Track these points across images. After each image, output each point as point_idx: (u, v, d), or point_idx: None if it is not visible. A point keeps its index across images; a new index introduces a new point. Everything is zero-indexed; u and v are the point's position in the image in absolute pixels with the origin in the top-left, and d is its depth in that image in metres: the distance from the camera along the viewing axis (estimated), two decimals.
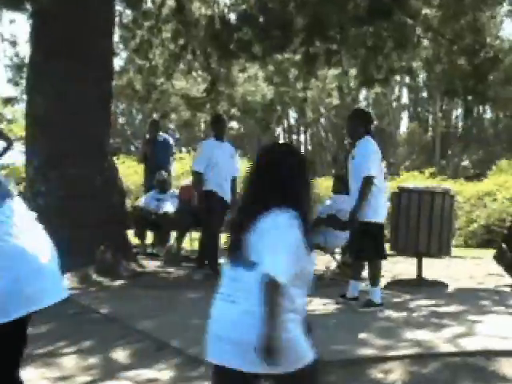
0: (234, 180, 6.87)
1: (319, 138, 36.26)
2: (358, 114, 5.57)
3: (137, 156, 11.47)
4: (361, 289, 5.43)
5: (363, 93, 29.24)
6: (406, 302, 5.70)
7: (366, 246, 5.18)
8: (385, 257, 5.31)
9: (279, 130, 37.15)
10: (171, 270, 7.17)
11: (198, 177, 6.73)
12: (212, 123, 7.10)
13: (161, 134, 9.65)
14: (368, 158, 5.12)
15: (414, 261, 6.88)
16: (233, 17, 9.67)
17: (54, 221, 6.30)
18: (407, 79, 30.12)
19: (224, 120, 7.20)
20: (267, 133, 25.91)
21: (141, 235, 8.45)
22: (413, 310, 5.33)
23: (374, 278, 5.23)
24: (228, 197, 6.74)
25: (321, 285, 6.27)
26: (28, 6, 7.49)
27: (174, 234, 8.48)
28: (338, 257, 7.08)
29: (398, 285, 6.56)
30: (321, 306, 5.34)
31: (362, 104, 31.87)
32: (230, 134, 31.19)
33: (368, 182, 5.07)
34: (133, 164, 14.67)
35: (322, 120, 34.79)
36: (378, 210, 5.18)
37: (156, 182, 8.63)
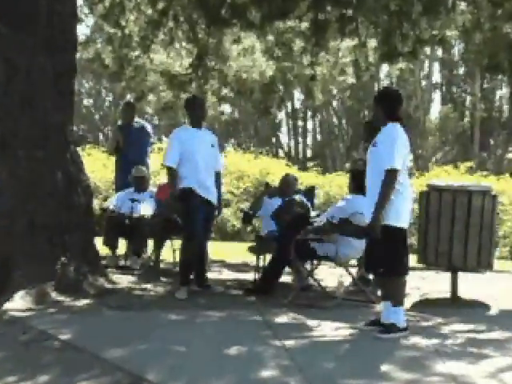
0: (217, 176, 6.91)
1: (330, 125, 36.31)
2: (385, 94, 5.60)
3: (107, 146, 11.46)
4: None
5: (385, 69, 29.31)
6: (437, 327, 5.71)
7: (384, 257, 5.19)
8: (406, 272, 5.32)
9: (281, 115, 37.27)
10: (148, 286, 7.17)
11: (170, 173, 6.78)
12: (185, 106, 7.04)
13: (136, 119, 9.65)
14: (392, 146, 5.13)
15: (448, 276, 6.89)
16: None
17: (2, 226, 6.37)
18: (439, 52, 30.22)
19: (200, 101, 7.15)
20: (266, 118, 25.93)
21: (111, 244, 8.46)
22: (446, 336, 5.33)
23: (397, 297, 5.24)
24: (213, 196, 6.78)
25: (332, 305, 6.32)
26: None
27: (151, 243, 8.49)
28: (354, 271, 7.09)
29: (427, 305, 6.57)
30: (332, 331, 5.36)
31: (384, 83, 31.98)
32: (222, 119, 31.26)
33: (391, 176, 5.08)
34: (101, 156, 14.70)
35: (334, 103, 34.86)
36: (401, 213, 5.19)
37: (132, 178, 8.63)
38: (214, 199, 6.80)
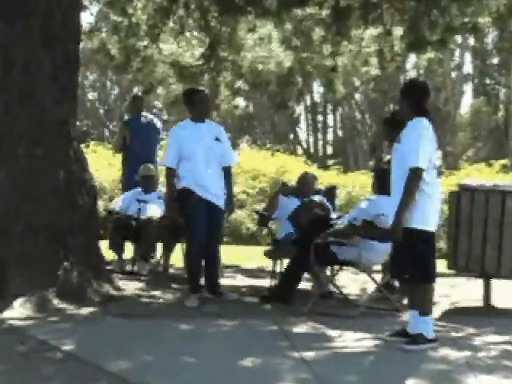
0: (227, 171, 6.87)
1: (353, 120, 36.25)
2: (411, 86, 5.58)
3: (112, 143, 11.50)
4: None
5: (411, 60, 29.19)
6: (468, 338, 5.68)
7: (409, 262, 5.17)
8: (433, 278, 5.29)
9: (300, 109, 37.26)
10: (156, 293, 7.19)
11: (168, 174, 6.80)
12: (184, 100, 6.97)
13: (145, 114, 9.68)
14: (417, 143, 5.12)
15: (480, 283, 6.85)
16: None
17: (2, 229, 6.39)
18: (471, 40, 30.08)
19: (202, 94, 7.02)
20: (284, 113, 25.91)
21: (117, 248, 8.48)
22: (478, 348, 5.31)
23: (424, 306, 5.22)
24: (215, 195, 6.70)
25: (354, 314, 6.30)
26: None
27: (160, 247, 8.50)
28: (378, 277, 7.07)
29: (457, 314, 6.55)
30: (354, 341, 5.35)
31: (410, 75, 31.88)
32: (235, 114, 31.28)
33: (415, 175, 5.08)
34: (107, 154, 14.77)
35: (357, 96, 34.80)
36: (428, 215, 5.17)
37: (140, 177, 8.64)
38: (216, 199, 6.71)
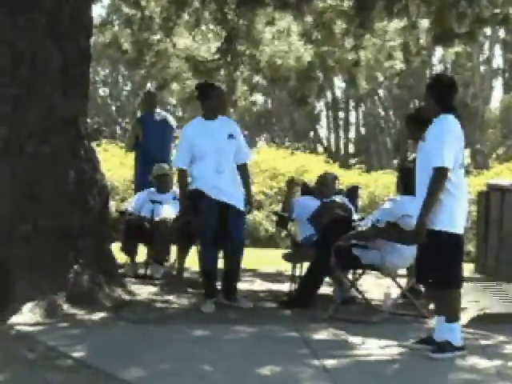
0: (243, 169, 6.84)
1: (376, 117, 36.18)
2: (437, 81, 5.56)
3: (125, 141, 11.54)
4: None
5: (438, 53, 29.09)
6: (498, 346, 5.65)
7: (434, 266, 5.14)
8: (460, 284, 5.26)
9: (320, 106, 37.21)
10: (171, 298, 7.20)
11: (180, 174, 6.84)
12: (200, 94, 6.87)
13: (158, 111, 9.70)
14: (442, 141, 5.10)
15: (511, 288, 6.80)
16: None
17: (6, 230, 6.40)
18: (501, 33, 29.88)
19: (218, 89, 7.00)
20: (304, 109, 25.89)
21: (130, 250, 8.50)
22: (509, 356, 5.28)
23: (451, 312, 5.20)
24: (230, 197, 6.62)
25: (378, 320, 6.28)
26: None
27: (175, 249, 8.52)
28: (403, 281, 7.04)
29: (486, 321, 6.50)
30: (377, 349, 5.34)
31: (437, 69, 31.76)
32: (253, 111, 31.32)
33: (439, 175, 5.06)
34: (119, 152, 14.83)
35: (381, 92, 34.72)
36: (454, 216, 5.15)
37: (153, 177, 8.66)
38: (231, 199, 6.64)
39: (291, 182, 8.05)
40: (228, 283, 6.87)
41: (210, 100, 6.75)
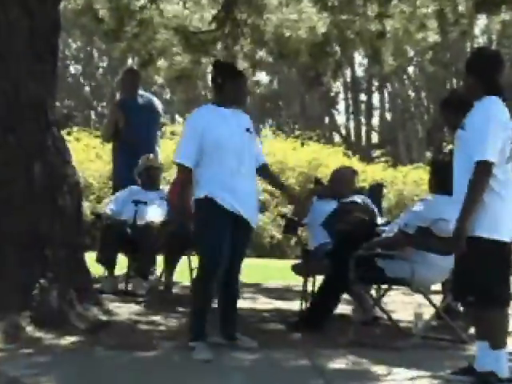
0: (265, 171, 6.58)
1: (405, 100, 36.25)
2: (479, 57, 5.56)
3: (101, 130, 11.55)
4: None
5: (481, 23, 29.10)
6: None
7: (475, 281, 5.13)
8: (508, 302, 5.27)
9: (337, 87, 37.26)
10: (157, 318, 7.22)
11: (183, 174, 6.29)
12: (221, 76, 6.33)
13: (141, 92, 9.72)
14: (485, 129, 5.09)
15: None
16: None
17: None
18: None
19: (243, 75, 6.69)
20: (317, 91, 25.88)
21: (108, 261, 8.53)
22: None
23: (496, 336, 5.20)
24: (249, 208, 6.18)
25: (406, 346, 6.29)
26: None
27: (161, 260, 8.53)
28: (436, 299, 7.06)
29: None
30: (406, 381, 5.32)
31: (479, 42, 31.77)
32: (256, 92, 31.35)
33: (482, 170, 5.04)
34: (94, 143, 14.89)
35: (410, 69, 34.79)
36: (499, 221, 5.14)
37: (142, 171, 8.63)
38: (247, 213, 6.16)
39: (317, 182, 8.07)
40: (228, 322, 6.38)
41: (234, 83, 6.32)
